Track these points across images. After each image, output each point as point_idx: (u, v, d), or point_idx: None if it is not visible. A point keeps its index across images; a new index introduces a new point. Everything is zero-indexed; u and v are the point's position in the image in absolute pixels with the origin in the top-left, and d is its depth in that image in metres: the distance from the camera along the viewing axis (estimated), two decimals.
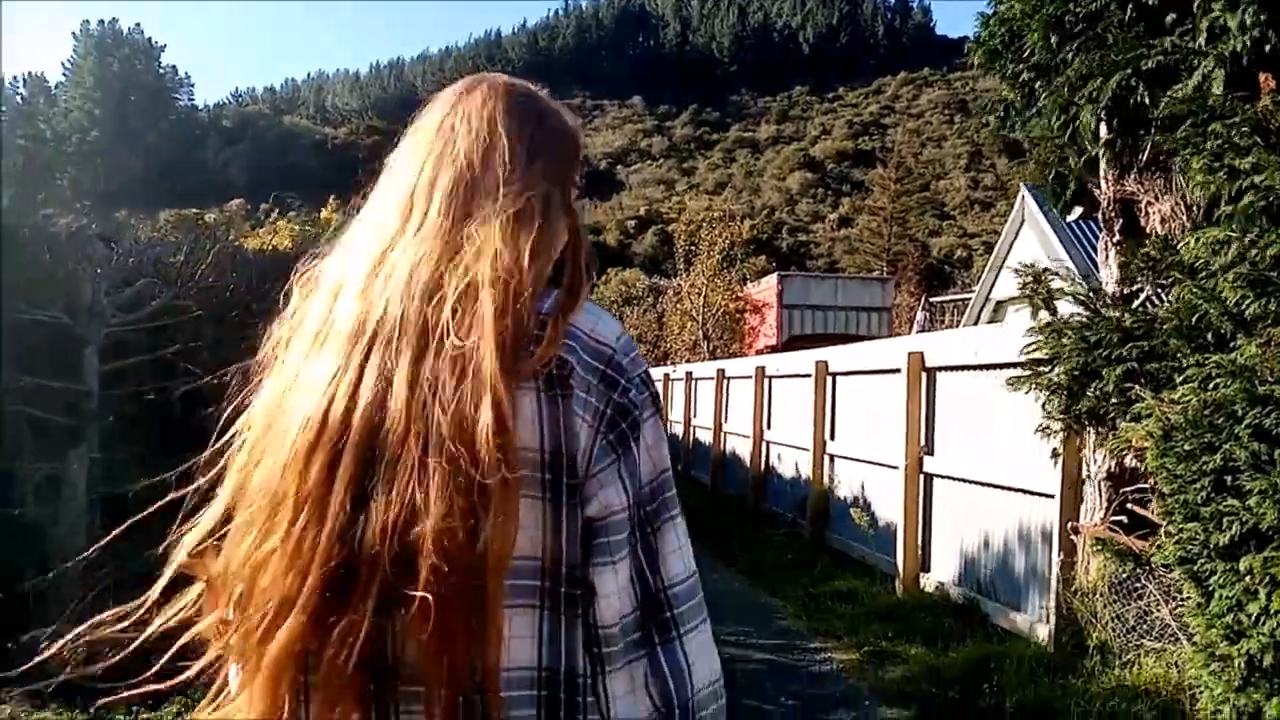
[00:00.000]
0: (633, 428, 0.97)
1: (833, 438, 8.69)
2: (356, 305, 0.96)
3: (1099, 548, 4.49)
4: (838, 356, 8.87)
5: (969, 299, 19.59)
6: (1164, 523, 3.98)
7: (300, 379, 0.96)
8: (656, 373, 19.18)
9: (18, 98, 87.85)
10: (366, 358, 0.93)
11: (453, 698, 0.87)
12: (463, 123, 1.05)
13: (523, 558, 0.91)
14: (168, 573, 1.00)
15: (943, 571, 6.55)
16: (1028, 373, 4.74)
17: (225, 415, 1.05)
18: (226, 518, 0.98)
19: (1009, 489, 5.73)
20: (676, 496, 1.01)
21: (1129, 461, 4.56)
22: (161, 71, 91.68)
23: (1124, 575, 4.38)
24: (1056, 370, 4.49)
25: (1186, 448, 3.67)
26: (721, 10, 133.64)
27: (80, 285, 4.91)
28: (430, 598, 0.84)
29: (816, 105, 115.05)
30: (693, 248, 26.94)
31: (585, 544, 0.95)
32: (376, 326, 0.93)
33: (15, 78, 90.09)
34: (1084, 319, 4.46)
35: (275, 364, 1.02)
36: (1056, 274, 4.85)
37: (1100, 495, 4.76)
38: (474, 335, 0.90)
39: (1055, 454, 4.88)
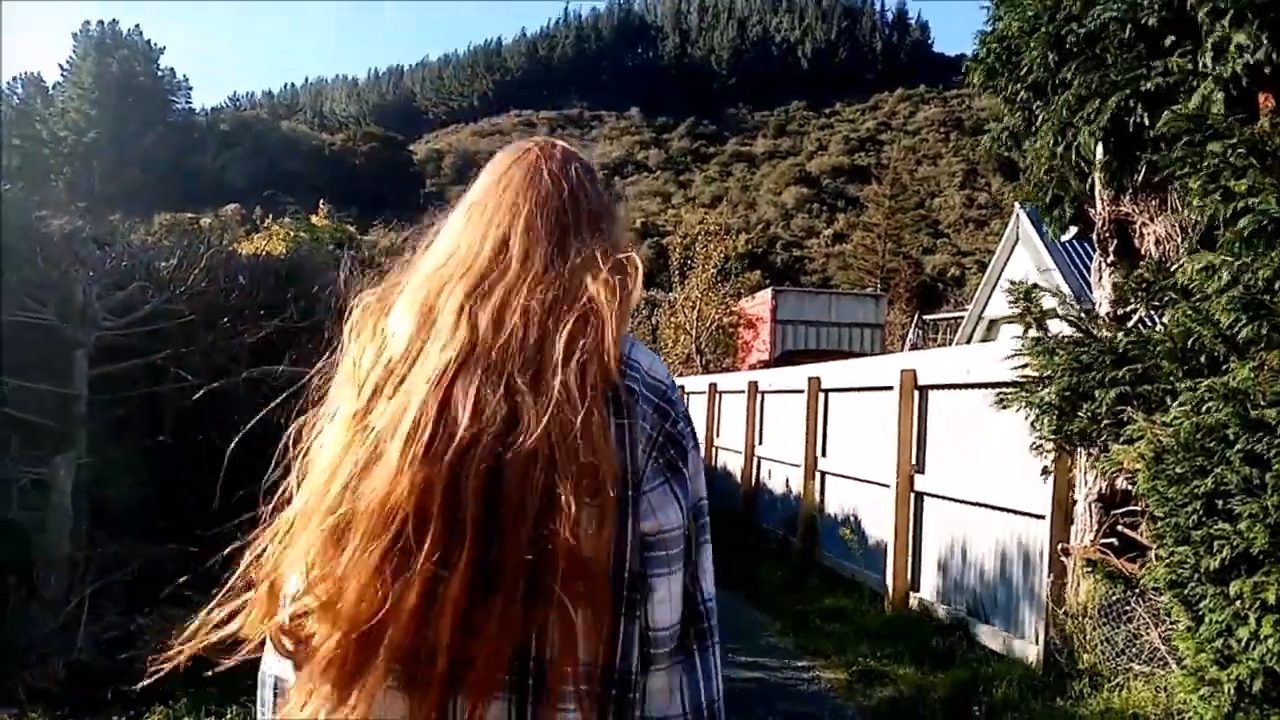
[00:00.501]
0: (680, 455, 1.08)
1: (824, 454, 8.68)
2: (464, 327, 1.03)
3: (1089, 569, 4.48)
4: (831, 373, 8.87)
5: (962, 317, 19.64)
6: (1154, 546, 3.97)
7: (400, 393, 1.01)
8: None
9: (14, 97, 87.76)
10: (484, 373, 1.00)
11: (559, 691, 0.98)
12: (551, 179, 1.18)
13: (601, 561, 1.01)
14: (261, 581, 1.03)
15: (932, 590, 6.53)
16: (1015, 391, 4.74)
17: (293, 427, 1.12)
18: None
19: (999, 509, 5.72)
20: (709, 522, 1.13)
21: (1120, 483, 4.56)
22: (160, 74, 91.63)
23: (1114, 598, 4.37)
24: (1048, 390, 4.49)
25: (1178, 471, 3.66)
26: (721, 23, 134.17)
27: (72, 288, 4.88)
28: (568, 598, 0.94)
29: (813, 120, 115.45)
30: (688, 261, 26.93)
31: (641, 555, 1.04)
32: (490, 346, 1.01)
33: (14, 78, 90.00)
34: (1076, 339, 4.46)
35: (349, 380, 1.08)
36: (1047, 291, 4.86)
37: (1091, 517, 4.76)
38: (594, 359, 1.01)
39: (1046, 471, 4.87)
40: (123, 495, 5.07)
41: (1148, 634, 4.21)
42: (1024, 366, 4.62)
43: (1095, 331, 4.50)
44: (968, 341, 16.62)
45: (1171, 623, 3.94)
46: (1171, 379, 3.85)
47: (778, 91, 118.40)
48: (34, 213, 5.51)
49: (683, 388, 15.35)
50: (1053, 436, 4.55)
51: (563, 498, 0.94)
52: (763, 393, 10.76)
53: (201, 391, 5.39)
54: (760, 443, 10.73)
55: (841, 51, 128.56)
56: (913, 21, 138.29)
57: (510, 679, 0.97)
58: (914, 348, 22.03)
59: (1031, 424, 4.64)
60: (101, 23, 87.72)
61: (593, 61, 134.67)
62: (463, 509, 0.94)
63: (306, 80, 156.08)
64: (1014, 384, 4.77)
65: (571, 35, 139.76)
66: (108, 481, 5.02)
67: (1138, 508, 4.41)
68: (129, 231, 7.97)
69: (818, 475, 8.74)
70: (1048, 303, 4.73)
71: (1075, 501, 4.88)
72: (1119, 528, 4.54)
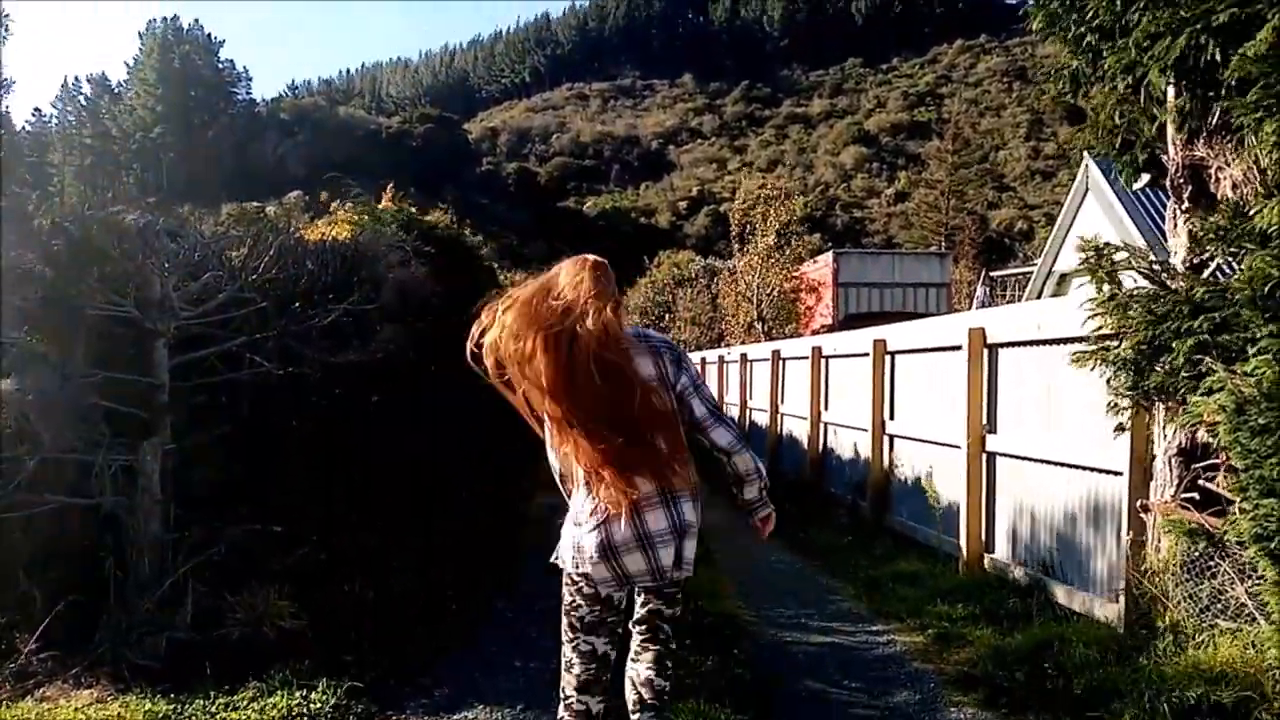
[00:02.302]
0: (685, 363, 2.96)
1: (892, 417, 8.59)
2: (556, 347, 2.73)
3: (1169, 526, 4.37)
4: (896, 334, 8.75)
5: (1031, 273, 19.20)
6: (1237, 499, 3.86)
7: (559, 370, 2.72)
8: (711, 355, 19.21)
9: (81, 98, 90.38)
10: (584, 359, 2.68)
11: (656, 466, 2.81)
12: (574, 271, 2.84)
13: (667, 411, 2.81)
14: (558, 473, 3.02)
15: (1007, 552, 6.44)
16: (1092, 348, 4.62)
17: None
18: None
19: (1075, 466, 5.61)
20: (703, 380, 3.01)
21: (1200, 436, 4.43)
22: (220, 66, 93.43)
23: (1196, 553, 4.26)
24: (1123, 345, 4.37)
25: (1261, 421, 3.56)
26: None
27: (150, 280, 5.03)
28: (656, 430, 2.78)
29: (870, 77, 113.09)
30: (747, 228, 26.69)
31: (681, 401, 2.88)
32: (577, 336, 2.69)
33: (77, 78, 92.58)
34: (1151, 291, 4.33)
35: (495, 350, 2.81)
36: (1119, 248, 4.71)
37: (1170, 472, 4.64)
38: (618, 338, 2.78)
39: (1121, 428, 4.75)
40: (207, 479, 5.25)
41: (1233, 590, 4.11)
42: (1098, 325, 4.50)
43: (1170, 282, 4.36)
44: (1038, 297, 16.24)
45: (1258, 577, 3.84)
46: (1251, 327, 3.73)
47: (832, 50, 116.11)
48: (109, 208, 5.69)
49: (744, 355, 15.33)
50: (1129, 392, 4.44)
51: (642, 391, 2.73)
52: (827, 358, 10.67)
53: (276, 376, 5.55)
54: (826, 408, 10.66)
55: (896, 4, 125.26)
56: None
57: (654, 459, 2.77)
58: (982, 305, 21.59)
59: (1108, 382, 4.52)
60: (165, 19, 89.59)
61: (643, 30, 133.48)
62: (600, 413, 2.68)
63: (363, 65, 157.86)
64: (1088, 339, 4.65)
65: (622, 5, 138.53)
66: (192, 466, 5.20)
67: (1219, 461, 4.29)
68: (198, 222, 8.18)
69: (886, 439, 8.66)
70: (1118, 255, 4.59)
71: (1154, 457, 4.76)
72: (1200, 482, 4.42)
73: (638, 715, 3.01)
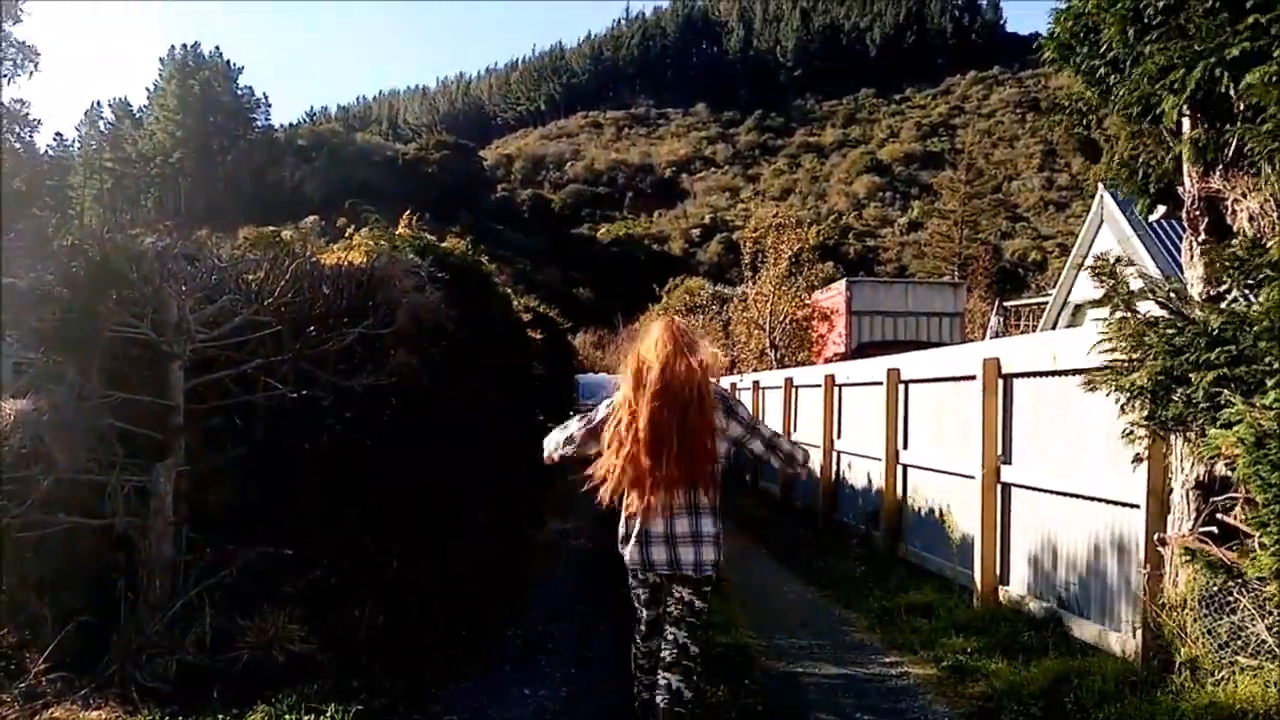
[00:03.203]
0: (735, 406, 3.89)
1: (906, 447, 8.54)
2: (659, 380, 3.66)
3: (1188, 559, 4.32)
4: (910, 364, 8.72)
5: (1045, 303, 19.15)
6: (1257, 533, 3.82)
7: (644, 400, 3.69)
8: (724, 382, 19.19)
9: (102, 123, 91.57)
10: (669, 396, 3.67)
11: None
12: (675, 327, 3.84)
13: (714, 453, 3.76)
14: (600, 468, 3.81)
15: (1022, 584, 6.38)
16: (1105, 372, 4.59)
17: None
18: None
19: (1091, 499, 5.56)
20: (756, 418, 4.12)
21: (1219, 469, 4.38)
22: (240, 93, 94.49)
23: (1215, 588, 4.20)
24: (1139, 373, 4.34)
25: None
26: (785, 14, 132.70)
27: (166, 302, 5.07)
28: (705, 460, 3.74)
29: (883, 107, 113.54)
30: (759, 255, 26.73)
31: (738, 444, 3.88)
32: (670, 385, 3.67)
33: (98, 102, 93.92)
34: (1168, 320, 4.30)
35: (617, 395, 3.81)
36: (1133, 263, 4.69)
37: (1188, 505, 4.59)
38: (706, 391, 3.74)
39: (1138, 459, 4.71)
40: (220, 501, 5.25)
41: (1253, 626, 4.05)
42: (1111, 350, 4.48)
43: (1187, 312, 4.34)
44: (1053, 327, 16.18)
45: (1279, 614, 3.78)
46: (1269, 359, 3.70)
47: (846, 80, 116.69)
48: (127, 231, 5.73)
49: (757, 383, 15.30)
50: (1145, 422, 4.40)
51: (703, 434, 3.67)
52: (840, 386, 10.64)
53: (291, 399, 5.56)
54: (839, 437, 10.61)
55: (910, 35, 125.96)
56: (984, 1, 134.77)
57: (689, 480, 3.67)
58: (996, 335, 21.54)
59: (1122, 408, 4.49)
60: (185, 46, 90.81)
61: (657, 60, 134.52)
62: (671, 440, 3.60)
63: (380, 93, 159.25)
64: (1105, 369, 4.62)
65: (636, 34, 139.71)
66: (206, 488, 5.21)
67: (1237, 494, 4.24)
68: (216, 246, 8.25)
69: (899, 468, 8.61)
70: (1135, 283, 4.57)
71: (1171, 489, 4.71)
72: (1218, 515, 4.37)
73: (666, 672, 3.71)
